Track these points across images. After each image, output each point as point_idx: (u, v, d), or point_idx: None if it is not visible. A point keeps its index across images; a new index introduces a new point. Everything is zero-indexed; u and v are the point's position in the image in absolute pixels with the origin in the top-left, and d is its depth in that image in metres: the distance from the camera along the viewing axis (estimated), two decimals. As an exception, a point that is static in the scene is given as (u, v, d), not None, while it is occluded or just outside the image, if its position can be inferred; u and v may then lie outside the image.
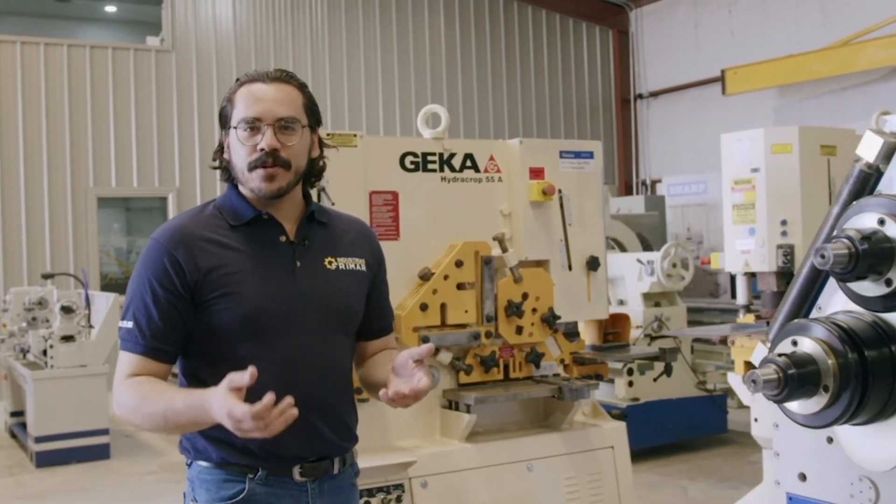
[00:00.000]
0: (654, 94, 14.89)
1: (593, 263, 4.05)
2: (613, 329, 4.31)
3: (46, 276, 9.36)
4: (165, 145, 11.84)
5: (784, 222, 4.60)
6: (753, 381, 2.56)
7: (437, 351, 3.71)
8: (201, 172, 11.94)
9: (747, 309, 4.98)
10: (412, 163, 3.78)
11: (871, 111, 11.29)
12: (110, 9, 14.13)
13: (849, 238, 2.35)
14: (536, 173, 3.93)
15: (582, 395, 3.76)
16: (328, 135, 3.55)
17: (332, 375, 2.33)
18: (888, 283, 2.37)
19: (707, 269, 5.26)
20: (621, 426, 4.03)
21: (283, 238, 2.32)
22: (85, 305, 8.37)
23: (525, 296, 3.83)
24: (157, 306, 2.22)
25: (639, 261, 7.45)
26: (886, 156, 2.62)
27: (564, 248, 3.97)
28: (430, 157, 3.82)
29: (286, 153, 2.25)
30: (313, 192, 3.23)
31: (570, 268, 3.98)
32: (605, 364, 4.08)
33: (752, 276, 4.90)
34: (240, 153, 2.27)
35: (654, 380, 5.97)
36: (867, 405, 2.50)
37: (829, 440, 2.78)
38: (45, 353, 8.14)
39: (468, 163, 3.88)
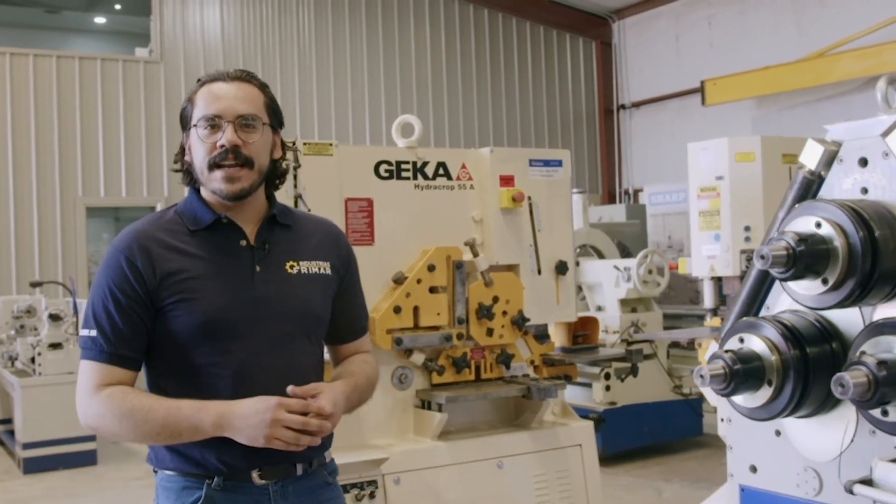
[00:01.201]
0: (637, 105, 15.09)
1: (562, 267, 4.19)
2: (583, 331, 4.46)
3: (34, 285, 9.47)
4: (154, 155, 11.95)
5: (747, 228, 4.77)
6: (701, 376, 2.73)
7: (410, 352, 3.87)
8: (189, 182, 12.08)
9: (714, 312, 5.14)
10: (386, 171, 3.93)
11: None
12: (100, 20, 14.26)
13: (787, 240, 2.51)
14: (507, 181, 4.08)
15: (550, 394, 3.91)
16: (305, 143, 3.71)
17: (292, 382, 2.21)
18: (825, 282, 2.53)
19: (688, 276, 5.44)
20: (589, 425, 4.18)
21: (242, 242, 2.29)
22: (73, 313, 8.47)
23: (496, 299, 3.98)
24: (120, 313, 2.18)
25: (616, 267, 7.62)
26: (827, 163, 2.78)
27: (534, 253, 4.12)
28: (403, 166, 3.97)
29: (247, 150, 2.22)
30: (289, 199, 3.37)
31: (539, 272, 4.13)
32: (574, 365, 4.23)
33: (718, 281, 5.07)
34: (199, 152, 2.24)
35: (621, 379, 6.12)
36: (808, 398, 2.66)
37: (778, 433, 2.95)
38: (32, 360, 8.27)
39: (441, 171, 4.04)
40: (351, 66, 13.25)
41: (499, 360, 4.03)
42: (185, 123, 2.30)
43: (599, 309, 7.84)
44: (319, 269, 2.37)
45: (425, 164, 4.02)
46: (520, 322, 3.99)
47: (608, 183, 15.43)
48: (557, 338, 4.39)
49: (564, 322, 4.36)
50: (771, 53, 12.54)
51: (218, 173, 2.21)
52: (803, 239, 2.51)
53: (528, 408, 4.06)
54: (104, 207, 12.17)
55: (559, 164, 4.23)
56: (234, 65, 12.38)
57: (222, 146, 2.20)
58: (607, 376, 7.31)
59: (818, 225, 2.53)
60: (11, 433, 8.70)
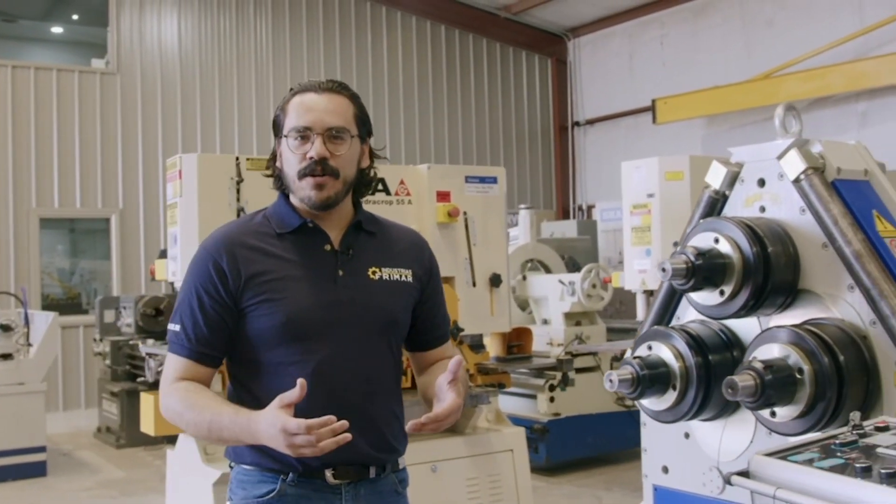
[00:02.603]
0: (591, 122, 15.35)
1: (496, 280, 4.37)
2: (517, 341, 4.63)
3: (-15, 295, 9.49)
4: (109, 167, 11.96)
5: (676, 244, 4.95)
6: (611, 381, 2.93)
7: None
8: (145, 194, 12.10)
9: (648, 325, 5.33)
10: (327, 186, 4.08)
11: (792, 141, 11.89)
12: (57, 30, 14.24)
13: (686, 254, 2.71)
14: (443, 196, 4.25)
15: (481, 401, 4.07)
16: (248, 159, 3.85)
17: (370, 385, 2.33)
18: (721, 293, 2.74)
19: (621, 289, 5.69)
20: (520, 431, 4.35)
21: (327, 247, 2.35)
22: (24, 324, 8.48)
23: (431, 310, 4.13)
24: (203, 312, 2.27)
25: (560, 282, 7.81)
26: (730, 183, 3.00)
27: (469, 266, 4.29)
28: (343, 181, 4.12)
29: (335, 162, 2.28)
30: (231, 212, 3.53)
31: (474, 284, 4.31)
32: (508, 373, 4.40)
33: (650, 294, 5.26)
34: (290, 161, 2.31)
35: (551, 389, 6.29)
36: (711, 402, 2.87)
37: (686, 435, 3.16)
38: (-18, 370, 8.28)
39: (380, 186, 4.19)
40: (308, 80, 13.38)
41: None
42: (276, 131, 2.38)
43: (545, 322, 8.01)
44: (401, 276, 2.42)
45: (364, 179, 4.16)
46: (454, 332, 4.15)
47: (562, 199, 15.67)
48: (493, 347, 4.57)
49: (499, 332, 4.53)
50: (721, 73, 12.86)
51: (307, 182, 2.28)
52: (702, 253, 2.72)
53: (461, 414, 4.22)
54: (61, 219, 12.13)
55: (494, 180, 4.41)
56: (190, 77, 12.50)
57: (311, 158, 2.27)
58: (552, 388, 7.48)
59: (716, 240, 2.74)
60: (-40, 444, 8.69)
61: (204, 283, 2.29)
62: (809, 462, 1.97)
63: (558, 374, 4.79)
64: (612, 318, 8.61)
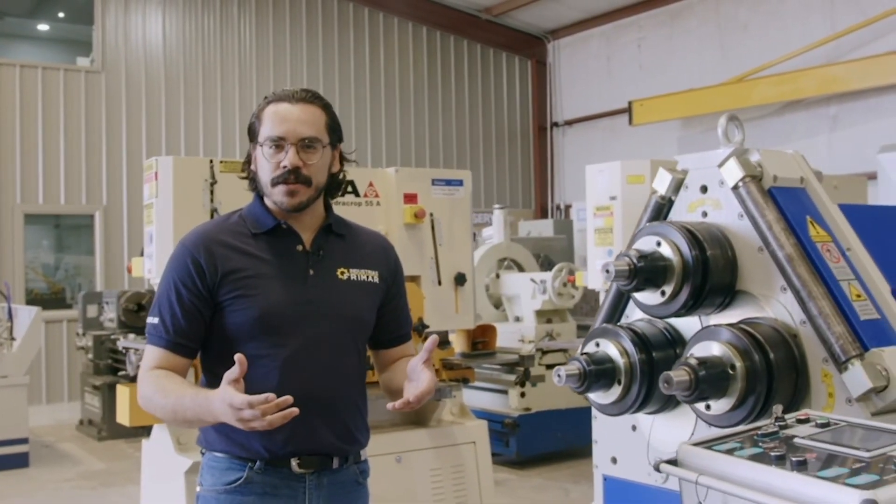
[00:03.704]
0: (569, 123, 15.53)
1: (461, 279, 4.55)
2: (482, 338, 4.81)
3: (-31, 290, 9.59)
4: (93, 164, 12.08)
5: (632, 246, 5.15)
6: (559, 375, 3.12)
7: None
8: (128, 191, 12.22)
9: (610, 323, 5.51)
10: (298, 188, 4.24)
11: (764, 143, 12.05)
12: (43, 27, 14.31)
13: (629, 256, 2.90)
14: (410, 198, 4.43)
15: (445, 394, 4.25)
16: (221, 162, 4.02)
17: (336, 379, 2.45)
18: (663, 293, 2.92)
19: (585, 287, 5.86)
20: (483, 424, 4.53)
21: (299, 247, 2.48)
22: (7, 318, 8.61)
23: (397, 307, 4.31)
24: (181, 304, 2.39)
25: (532, 280, 7.99)
26: (675, 188, 3.19)
27: (435, 265, 4.47)
28: (314, 184, 4.28)
29: (307, 171, 2.40)
30: (205, 212, 3.69)
31: (439, 283, 4.48)
32: (472, 369, 4.58)
33: (612, 293, 5.43)
34: (265, 168, 2.43)
35: (515, 384, 6.45)
36: (654, 397, 3.06)
37: (634, 428, 3.35)
38: (-34, 363, 8.40)
39: (349, 188, 4.36)
40: (291, 81, 13.51)
41: (399, 363, 4.36)
42: (252, 136, 2.50)
43: (518, 319, 8.20)
44: (368, 277, 2.56)
45: (334, 182, 4.34)
46: (419, 329, 4.33)
47: (541, 198, 15.85)
48: (458, 344, 4.74)
49: (464, 329, 4.71)
50: (697, 76, 13.06)
51: (280, 188, 2.41)
52: (644, 256, 2.90)
53: (426, 407, 4.40)
54: (46, 215, 12.22)
55: (460, 183, 4.59)
56: (174, 76, 12.62)
57: (285, 167, 2.39)
58: (522, 384, 7.65)
59: (658, 244, 2.93)
60: (-56, 435, 8.82)
61: (182, 278, 2.40)
62: (731, 451, 2.14)
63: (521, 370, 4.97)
64: (585, 315, 8.80)
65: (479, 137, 15.38)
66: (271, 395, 2.07)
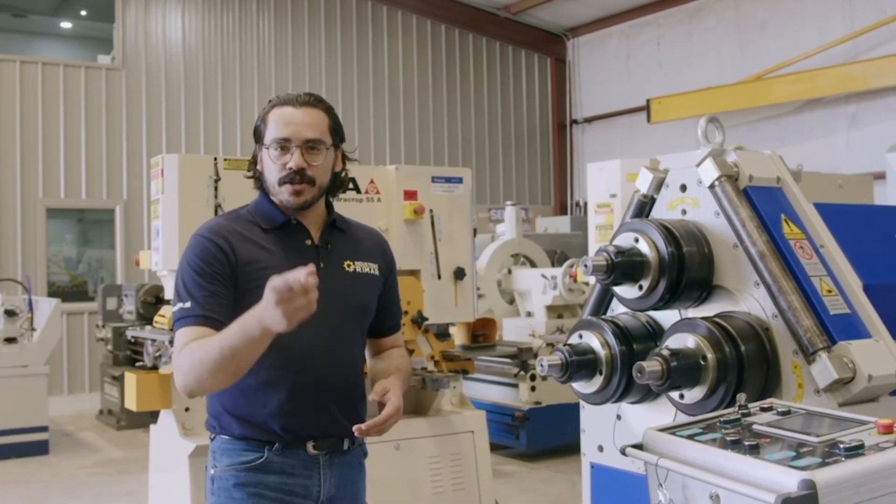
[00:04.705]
0: (589, 120, 15.57)
1: (460, 273, 4.66)
2: (482, 331, 4.92)
3: (-8, 281, 9.85)
4: (114, 160, 12.26)
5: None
6: (542, 365, 3.22)
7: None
8: (148, 186, 12.40)
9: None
10: (301, 184, 4.37)
11: (783, 141, 12.14)
12: (66, 25, 14.54)
13: (607, 252, 3.00)
14: (410, 195, 4.55)
15: (442, 385, 4.37)
16: (225, 160, 4.15)
17: (347, 366, 2.59)
18: (640, 287, 3.02)
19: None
20: (481, 414, 4.64)
21: (308, 242, 2.59)
22: (28, 310, 8.83)
23: (397, 300, 4.43)
24: (206, 279, 2.43)
25: (543, 276, 8.09)
26: (657, 187, 3.29)
27: (434, 260, 4.59)
28: (317, 180, 4.41)
29: (312, 171, 2.52)
30: (210, 209, 3.81)
31: (439, 277, 4.60)
32: (471, 360, 4.70)
33: (613, 288, 5.51)
34: (271, 169, 2.53)
35: (514, 375, 6.56)
36: (634, 387, 3.15)
37: (619, 417, 3.45)
38: (-12, 353, 8.63)
39: (351, 185, 4.48)
40: (309, 78, 13.64)
41: (399, 355, 4.48)
42: (257, 138, 2.60)
43: (529, 315, 8.30)
44: (370, 269, 2.69)
45: (336, 178, 4.46)
46: (419, 321, 4.45)
47: (560, 195, 15.91)
48: (459, 336, 4.86)
49: (465, 322, 4.82)
50: (715, 74, 13.07)
51: (286, 188, 2.52)
52: (622, 252, 3.01)
53: (426, 397, 4.52)
54: (69, 209, 12.42)
55: (460, 181, 4.71)
56: (193, 73, 12.79)
57: (290, 168, 2.50)
58: (532, 377, 7.76)
59: (637, 240, 3.03)
60: (-33, 423, 9.06)
61: (205, 257, 2.46)
62: (692, 436, 2.24)
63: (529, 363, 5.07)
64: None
65: (498, 135, 15.45)
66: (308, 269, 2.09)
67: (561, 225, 12.59)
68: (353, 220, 2.79)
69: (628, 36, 14.80)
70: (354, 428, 2.42)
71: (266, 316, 2.16)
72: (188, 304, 2.44)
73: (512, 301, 8.72)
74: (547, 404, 7.88)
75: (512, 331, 8.06)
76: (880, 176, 7.39)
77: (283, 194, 2.53)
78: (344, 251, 2.65)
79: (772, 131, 12.47)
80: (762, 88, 12.23)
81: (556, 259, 9.29)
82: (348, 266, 2.64)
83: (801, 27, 12.20)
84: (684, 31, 13.91)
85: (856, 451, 1.96)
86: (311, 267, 2.15)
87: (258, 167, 2.62)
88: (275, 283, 2.10)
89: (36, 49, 13.86)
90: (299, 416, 2.47)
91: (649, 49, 14.43)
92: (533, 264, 8.82)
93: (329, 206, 2.70)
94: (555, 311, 8.15)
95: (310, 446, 2.53)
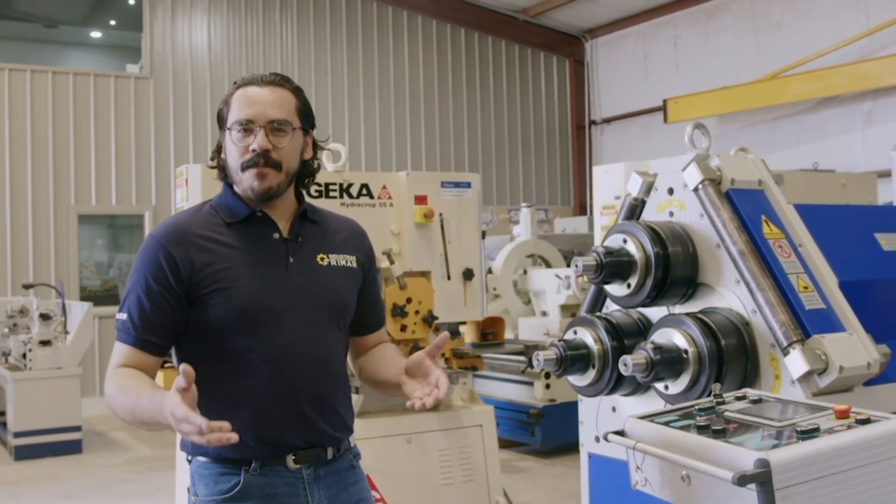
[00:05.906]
0: (607, 121, 15.70)
1: (468, 274, 4.87)
2: (491, 329, 5.13)
3: (27, 287, 10.16)
4: (143, 166, 12.55)
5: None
6: (538, 360, 3.43)
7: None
8: (176, 192, 12.70)
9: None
10: (316, 191, 4.58)
11: (799, 139, 12.23)
12: (96, 34, 14.85)
13: (597, 252, 3.21)
14: (420, 200, 4.77)
15: (452, 381, 4.58)
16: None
17: (325, 368, 2.39)
18: (628, 286, 3.22)
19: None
20: (489, 409, 4.85)
21: (276, 235, 2.39)
22: (62, 313, 9.10)
23: (409, 300, 4.65)
24: (151, 300, 2.27)
25: (557, 276, 8.28)
26: (647, 190, 3.49)
27: (444, 261, 4.80)
28: (331, 187, 4.66)
29: (277, 154, 2.31)
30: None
31: (448, 277, 4.81)
32: (480, 357, 4.91)
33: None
34: (233, 153, 2.33)
35: (522, 372, 6.74)
36: (625, 380, 3.35)
37: (613, 409, 3.64)
38: (24, 356, 8.91)
39: (364, 191, 4.72)
40: (331, 84, 13.87)
41: (411, 353, 4.69)
42: (221, 123, 2.40)
43: (544, 314, 8.49)
44: (347, 262, 2.49)
45: (350, 185, 4.70)
46: (429, 320, 4.66)
47: (579, 196, 16.06)
48: (469, 335, 5.07)
49: (474, 321, 5.03)
50: (732, 74, 13.17)
51: (249, 172, 2.31)
52: (610, 252, 3.22)
53: (437, 393, 4.72)
54: (100, 215, 12.69)
55: (468, 185, 4.92)
56: (219, 81, 13.06)
57: (254, 150, 2.30)
58: (547, 375, 7.95)
59: (625, 241, 3.24)
60: (4, 423, 9.35)
61: (153, 273, 2.29)
62: (668, 423, 2.44)
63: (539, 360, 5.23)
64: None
65: (518, 137, 15.60)
66: (215, 424, 1.94)
67: (579, 225, 12.76)
68: (327, 211, 2.61)
69: (645, 36, 14.92)
70: (408, 404, 2.27)
71: (168, 418, 2.02)
72: (125, 318, 2.32)
73: (528, 301, 8.91)
74: (561, 401, 8.03)
75: (527, 330, 8.26)
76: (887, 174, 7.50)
77: (246, 180, 2.33)
78: (317, 244, 2.46)
79: (788, 129, 12.56)
80: (778, 87, 12.32)
81: (573, 259, 9.43)
82: (321, 259, 2.44)
83: (817, 25, 12.28)
84: (701, 31, 14.01)
85: (811, 433, 2.13)
86: (181, 381, 1.98)
87: (222, 156, 2.42)
88: (176, 412, 1.95)
89: (67, 59, 14.19)
90: (275, 427, 2.29)
91: (666, 49, 14.55)
92: (548, 265, 9.01)
93: (300, 197, 2.50)
94: (569, 310, 8.33)
95: (290, 461, 2.33)
